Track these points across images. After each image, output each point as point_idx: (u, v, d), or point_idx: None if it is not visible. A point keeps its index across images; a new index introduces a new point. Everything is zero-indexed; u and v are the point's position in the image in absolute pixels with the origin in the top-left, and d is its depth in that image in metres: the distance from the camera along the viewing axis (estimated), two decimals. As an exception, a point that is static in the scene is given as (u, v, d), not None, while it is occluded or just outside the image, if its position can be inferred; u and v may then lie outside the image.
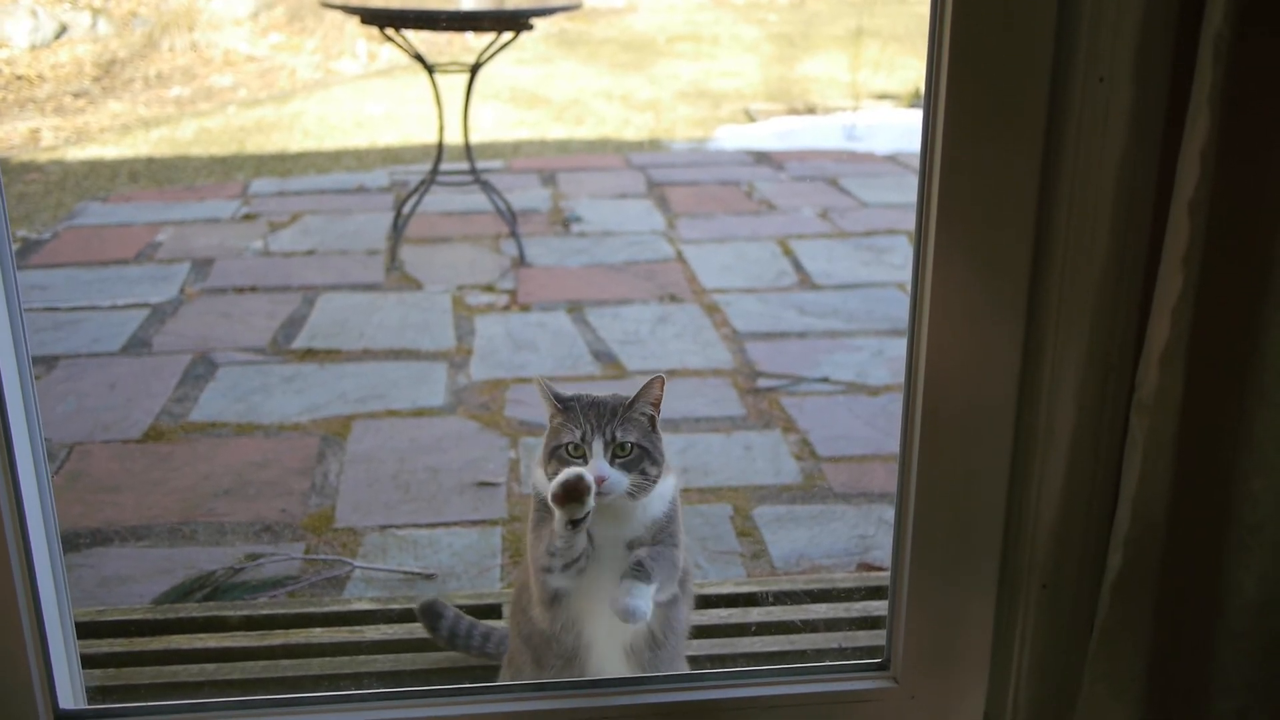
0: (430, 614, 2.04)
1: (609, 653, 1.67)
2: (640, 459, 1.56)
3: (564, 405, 1.59)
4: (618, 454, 1.55)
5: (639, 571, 1.55)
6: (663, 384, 1.59)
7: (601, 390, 1.64)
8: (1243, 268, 1.34)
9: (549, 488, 1.52)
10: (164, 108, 7.63)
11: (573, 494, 1.49)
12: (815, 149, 6.64)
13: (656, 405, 1.59)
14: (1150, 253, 1.40)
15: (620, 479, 1.54)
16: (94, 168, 6.14)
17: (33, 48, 8.44)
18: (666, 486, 1.63)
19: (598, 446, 1.54)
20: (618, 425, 1.56)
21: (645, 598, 1.54)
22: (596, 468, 1.53)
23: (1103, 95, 1.36)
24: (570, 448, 1.55)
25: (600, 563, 1.60)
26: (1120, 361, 1.45)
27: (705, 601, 2.18)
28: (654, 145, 6.88)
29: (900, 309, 4.11)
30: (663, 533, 1.61)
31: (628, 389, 1.64)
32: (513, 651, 1.82)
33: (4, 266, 1.47)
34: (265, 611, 2.19)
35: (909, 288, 1.53)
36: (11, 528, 1.48)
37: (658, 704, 1.65)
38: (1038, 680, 1.59)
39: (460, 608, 2.10)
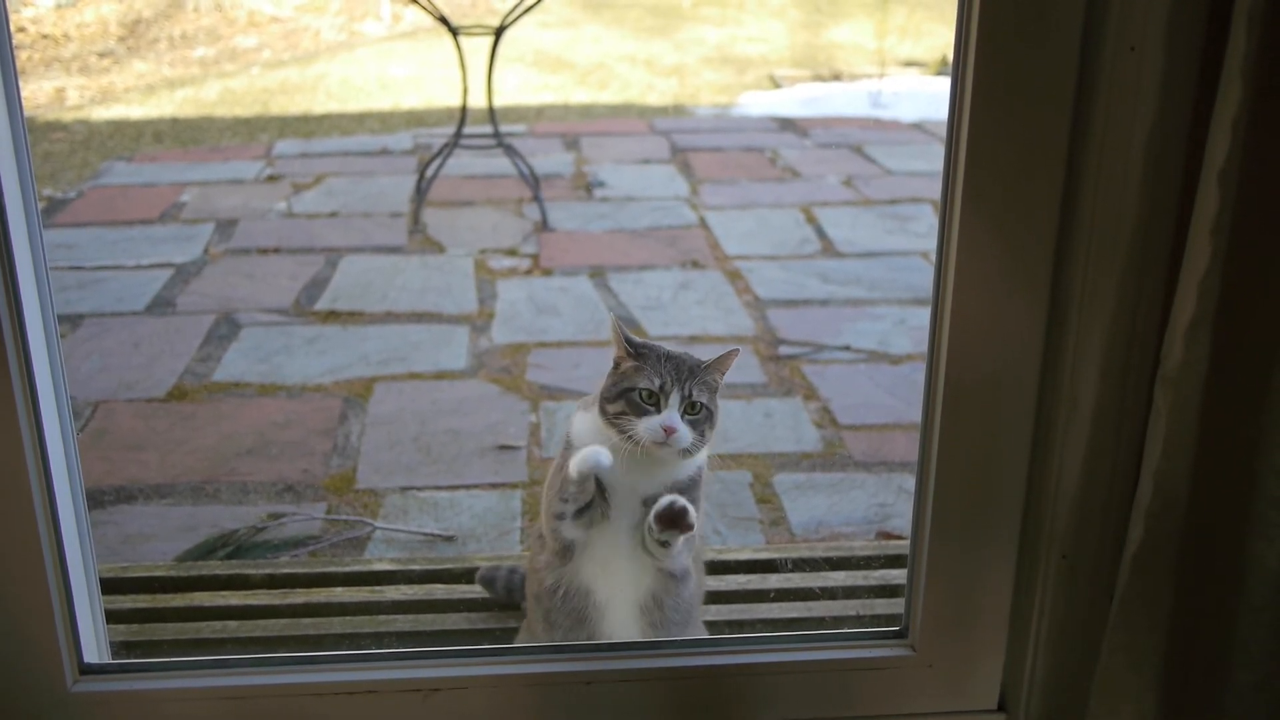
0: (485, 581, 2.10)
1: (621, 612, 1.68)
2: (705, 420, 1.60)
3: (638, 350, 1.61)
4: (689, 411, 1.58)
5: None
6: (736, 356, 1.63)
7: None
8: (1273, 240, 1.32)
9: (577, 464, 1.55)
10: (189, 68, 7.63)
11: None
12: (840, 116, 6.59)
13: (723, 375, 1.63)
14: (1178, 224, 1.39)
15: (686, 434, 1.57)
16: (119, 127, 6.15)
17: (58, 6, 8.44)
18: (701, 454, 1.65)
19: (675, 399, 1.57)
20: (695, 383, 1.59)
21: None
22: (668, 418, 1.56)
23: (1133, 64, 1.34)
24: (645, 394, 1.57)
25: (614, 518, 1.62)
26: (1145, 333, 1.44)
27: (724, 567, 2.19)
28: (678, 111, 6.84)
29: (923, 278, 4.09)
30: (684, 495, 1.62)
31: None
32: (530, 615, 1.83)
33: (30, 225, 1.48)
34: (287, 570, 2.21)
35: (933, 256, 1.52)
36: (37, 484, 1.49)
37: (674, 668, 1.65)
38: (1055, 651, 1.59)
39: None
